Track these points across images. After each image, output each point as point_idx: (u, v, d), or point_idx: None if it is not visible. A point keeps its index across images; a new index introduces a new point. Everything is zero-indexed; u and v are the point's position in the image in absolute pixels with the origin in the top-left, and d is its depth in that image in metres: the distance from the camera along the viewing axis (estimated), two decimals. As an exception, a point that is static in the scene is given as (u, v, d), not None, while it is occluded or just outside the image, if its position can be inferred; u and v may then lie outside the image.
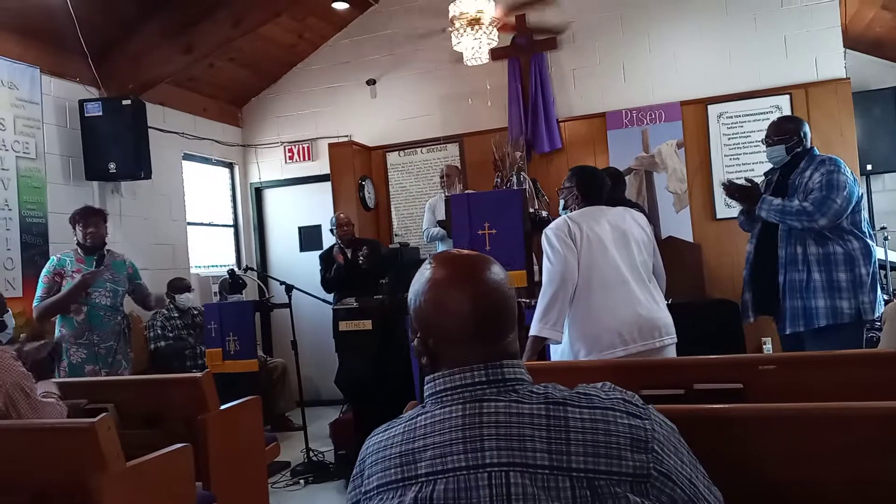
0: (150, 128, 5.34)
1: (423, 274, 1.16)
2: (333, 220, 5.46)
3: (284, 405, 5.78)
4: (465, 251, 1.20)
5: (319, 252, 5.74)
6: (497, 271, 1.14)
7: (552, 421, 1.01)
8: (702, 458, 1.09)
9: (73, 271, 3.94)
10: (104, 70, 5.17)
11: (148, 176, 5.23)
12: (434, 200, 5.59)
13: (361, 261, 5.17)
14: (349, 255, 5.32)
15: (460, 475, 1.01)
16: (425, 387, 1.13)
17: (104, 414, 1.95)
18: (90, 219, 4.03)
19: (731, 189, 3.38)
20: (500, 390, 1.07)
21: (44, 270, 3.98)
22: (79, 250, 4.02)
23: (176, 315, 5.34)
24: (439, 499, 1.01)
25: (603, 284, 2.73)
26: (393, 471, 1.06)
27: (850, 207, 3.08)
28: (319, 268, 5.48)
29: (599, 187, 3.00)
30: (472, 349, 1.10)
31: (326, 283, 5.41)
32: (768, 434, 1.35)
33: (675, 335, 2.81)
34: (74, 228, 4.03)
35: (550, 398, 1.04)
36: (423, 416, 1.09)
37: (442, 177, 5.41)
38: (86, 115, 5.00)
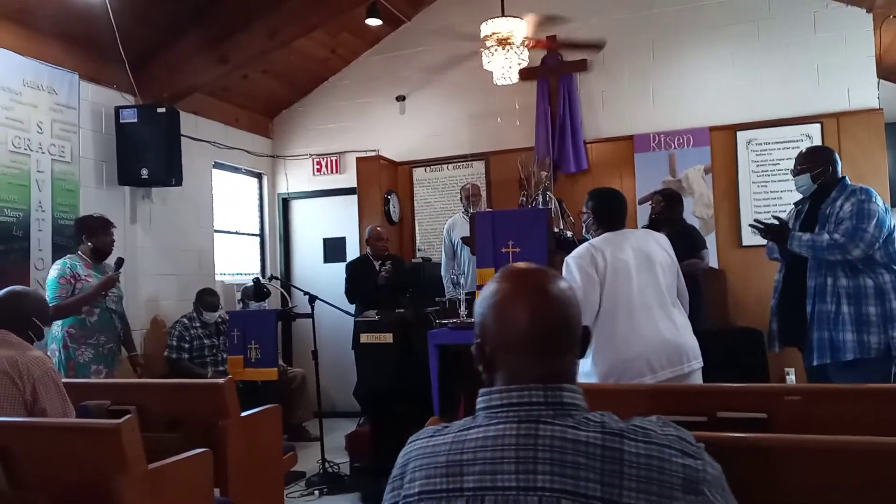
0: (183, 136, 5.43)
1: (491, 283, 1.18)
2: (370, 231, 5.45)
3: (302, 415, 5.80)
4: (536, 265, 1.21)
5: (346, 262, 5.76)
6: (564, 289, 1.15)
7: (607, 452, 1.00)
8: (723, 487, 1.08)
9: (84, 276, 4.06)
10: (141, 78, 5.28)
11: (179, 183, 5.31)
12: (452, 221, 5.56)
13: (383, 277, 5.16)
14: (378, 268, 5.32)
15: (509, 494, 1.00)
16: (479, 399, 1.13)
17: (129, 416, 1.97)
18: (109, 227, 4.22)
19: (763, 230, 3.31)
20: (557, 413, 1.06)
21: (57, 272, 4.03)
22: (85, 257, 4.15)
23: (198, 325, 5.39)
24: None
25: (629, 311, 2.70)
26: (438, 479, 1.06)
27: (883, 237, 3.04)
28: (345, 276, 5.49)
29: (617, 210, 2.95)
30: (527, 364, 1.10)
31: (351, 294, 5.43)
32: (791, 465, 1.34)
33: (701, 359, 2.78)
34: (89, 235, 4.15)
35: (607, 428, 1.03)
36: (475, 430, 1.08)
37: (468, 196, 5.41)
38: (121, 121, 5.11)
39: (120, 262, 4.17)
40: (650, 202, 4.88)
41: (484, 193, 5.78)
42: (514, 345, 1.11)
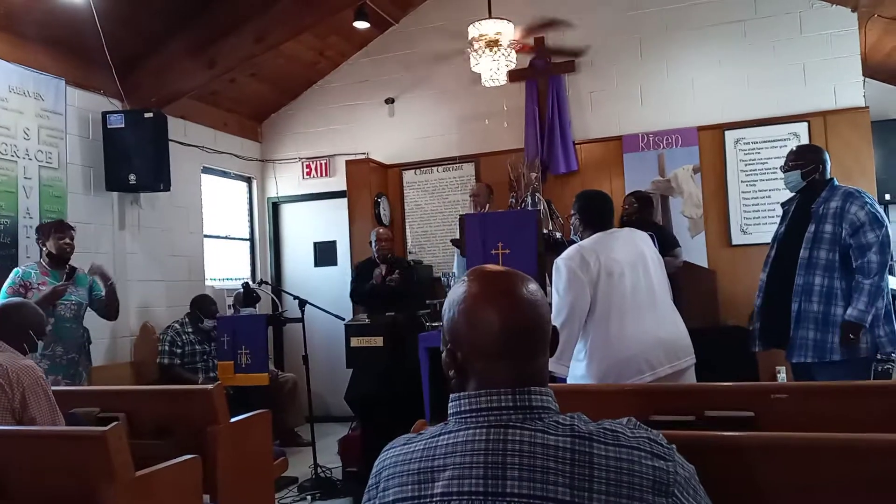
0: (171, 141, 5.41)
1: (460, 286, 1.16)
2: (374, 233, 5.44)
3: (294, 420, 5.78)
4: (504, 267, 1.20)
5: (357, 262, 5.69)
6: (533, 290, 1.14)
7: (577, 455, 0.99)
8: (710, 486, 1.08)
9: (38, 283, 3.97)
10: (128, 83, 5.25)
11: (167, 188, 5.28)
12: None
13: (391, 281, 5.13)
14: (383, 271, 5.30)
15: (476, 500, 1.00)
16: (450, 405, 1.12)
17: (116, 423, 1.97)
18: (66, 231, 4.11)
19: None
20: (526, 417, 1.05)
21: (8, 282, 3.97)
22: (44, 263, 4.07)
23: (190, 330, 5.38)
24: None
25: (623, 311, 2.70)
26: (410, 487, 1.06)
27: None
28: (351, 277, 5.45)
29: (603, 212, 2.96)
30: (499, 367, 1.09)
31: (356, 295, 5.40)
32: (778, 463, 1.34)
33: (694, 355, 2.80)
34: (45, 240, 4.07)
35: (577, 431, 1.02)
36: (445, 436, 1.08)
37: (471, 195, 5.42)
38: (108, 126, 5.08)
39: (71, 272, 4.04)
40: (623, 204, 4.92)
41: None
42: (486, 348, 1.10)
